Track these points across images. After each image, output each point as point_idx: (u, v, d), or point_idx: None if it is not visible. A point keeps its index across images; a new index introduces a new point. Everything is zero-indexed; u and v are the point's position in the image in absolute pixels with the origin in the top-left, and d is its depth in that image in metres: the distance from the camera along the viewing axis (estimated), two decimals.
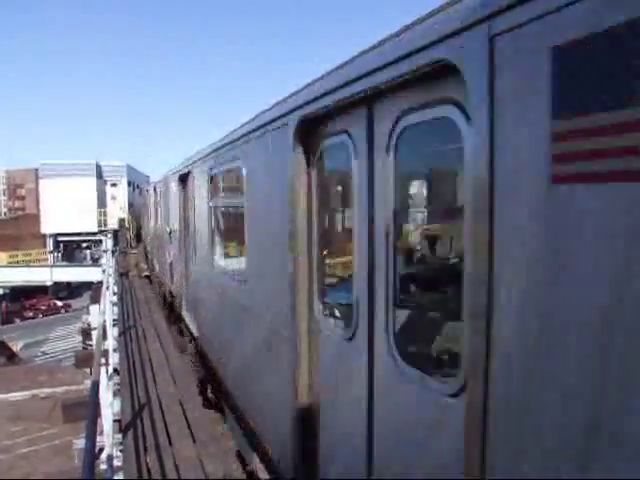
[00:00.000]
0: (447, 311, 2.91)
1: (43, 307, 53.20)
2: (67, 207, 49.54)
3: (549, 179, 1.74)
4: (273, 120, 4.54)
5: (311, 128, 3.91)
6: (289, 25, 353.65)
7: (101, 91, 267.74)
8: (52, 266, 48.21)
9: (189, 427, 7.37)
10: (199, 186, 8.66)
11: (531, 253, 1.84)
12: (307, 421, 4.01)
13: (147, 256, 23.59)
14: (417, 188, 3.38)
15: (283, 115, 4.27)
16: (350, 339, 3.36)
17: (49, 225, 51.62)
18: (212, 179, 7.61)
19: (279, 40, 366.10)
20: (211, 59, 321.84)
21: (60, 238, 53.28)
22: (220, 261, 7.31)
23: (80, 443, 10.14)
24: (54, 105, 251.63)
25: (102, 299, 10.17)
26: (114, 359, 9.55)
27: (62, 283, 51.33)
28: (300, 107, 3.90)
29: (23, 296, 52.71)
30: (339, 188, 4.10)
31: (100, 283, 14.89)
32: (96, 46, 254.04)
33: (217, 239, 7.48)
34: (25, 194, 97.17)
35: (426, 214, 3.35)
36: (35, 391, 15.13)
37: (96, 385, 4.84)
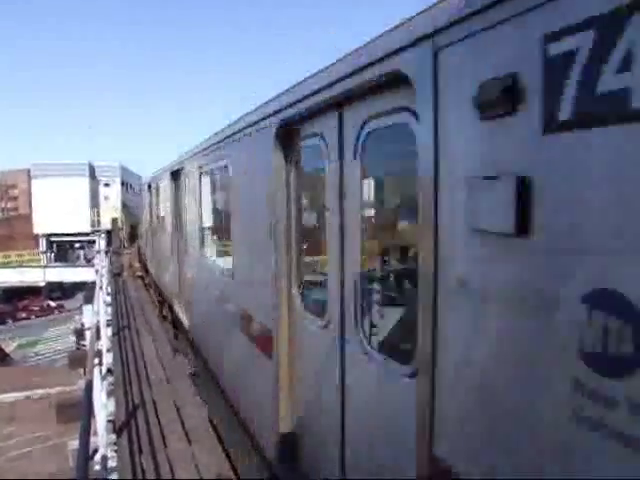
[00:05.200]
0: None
1: (36, 308, 52.88)
2: (60, 207, 49.31)
3: None
4: (256, 122, 4.85)
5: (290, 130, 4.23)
6: (286, 23, 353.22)
7: (94, 90, 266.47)
8: (45, 267, 47.99)
9: (184, 427, 7.35)
10: None
11: None
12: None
13: (141, 258, 23.50)
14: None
15: (265, 118, 4.58)
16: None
17: (42, 225, 51.36)
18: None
19: (275, 38, 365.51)
20: (205, 58, 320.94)
21: (53, 238, 53.02)
22: None
23: (74, 444, 10.09)
24: (46, 104, 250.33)
25: (95, 299, 10.14)
26: (108, 359, 9.53)
27: (55, 284, 51.08)
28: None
29: (16, 297, 52.41)
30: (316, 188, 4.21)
31: (93, 283, 14.85)
32: (89, 45, 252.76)
33: None
34: (18, 194, 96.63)
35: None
36: (28, 392, 15.06)
37: (90, 385, 4.82)
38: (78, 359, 15.68)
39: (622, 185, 1.47)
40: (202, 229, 8.19)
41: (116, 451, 6.54)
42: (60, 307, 53.99)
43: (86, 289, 22.70)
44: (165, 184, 12.13)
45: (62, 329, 42.57)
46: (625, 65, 1.44)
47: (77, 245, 56.85)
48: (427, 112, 2.31)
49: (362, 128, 3.14)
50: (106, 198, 54.54)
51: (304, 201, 4.37)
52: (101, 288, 11.64)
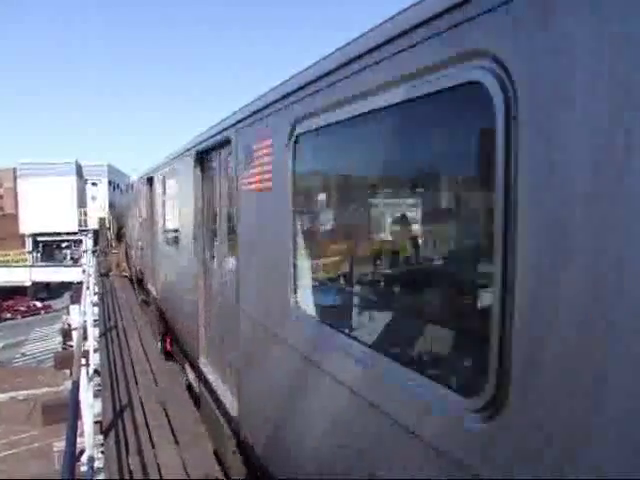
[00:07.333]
0: None
1: (22, 308, 52.30)
2: (46, 207, 48.81)
3: None
4: (184, 152, 7.86)
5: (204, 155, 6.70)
6: (280, 22, 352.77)
7: (82, 89, 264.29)
8: (31, 266, 47.55)
9: (171, 428, 7.32)
10: None
11: None
12: None
13: (128, 259, 23.49)
14: None
15: (188, 150, 7.48)
16: None
17: (28, 225, 50.81)
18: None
19: (269, 37, 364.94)
20: (199, 58, 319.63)
21: (39, 238, 52.49)
22: None
23: (60, 445, 10.02)
24: (32, 103, 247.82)
25: (82, 299, 10.07)
26: (95, 360, 9.46)
27: (41, 284, 50.58)
28: (195, 145, 6.92)
29: (1, 297, 51.80)
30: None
31: (80, 283, 14.73)
32: (77, 42, 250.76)
33: None
34: (3, 194, 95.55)
35: None
36: (14, 393, 14.90)
37: (76, 386, 4.79)
38: (64, 359, 15.54)
39: None
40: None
41: (103, 452, 6.50)
42: (46, 307, 53.43)
43: (73, 289, 22.59)
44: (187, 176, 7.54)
45: (49, 329, 42.16)
46: None
47: (64, 245, 56.34)
48: None
49: None
50: (93, 198, 54.07)
51: None
52: (88, 288, 11.56)
